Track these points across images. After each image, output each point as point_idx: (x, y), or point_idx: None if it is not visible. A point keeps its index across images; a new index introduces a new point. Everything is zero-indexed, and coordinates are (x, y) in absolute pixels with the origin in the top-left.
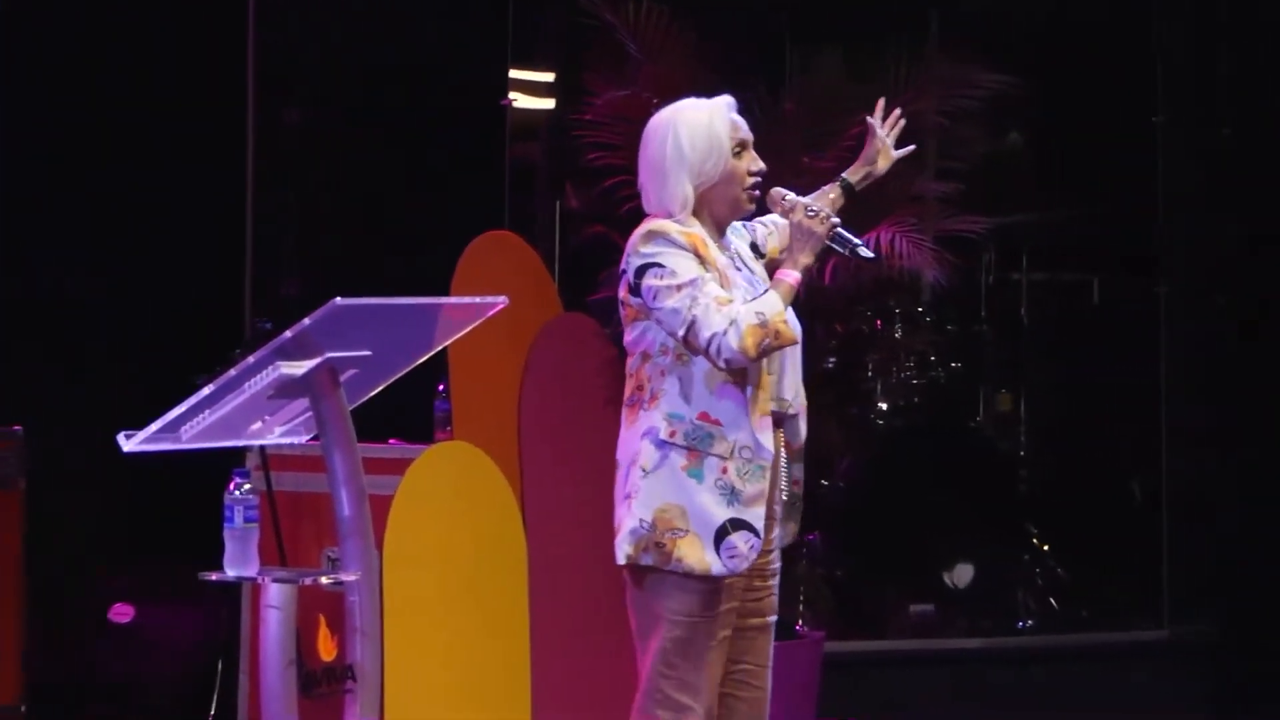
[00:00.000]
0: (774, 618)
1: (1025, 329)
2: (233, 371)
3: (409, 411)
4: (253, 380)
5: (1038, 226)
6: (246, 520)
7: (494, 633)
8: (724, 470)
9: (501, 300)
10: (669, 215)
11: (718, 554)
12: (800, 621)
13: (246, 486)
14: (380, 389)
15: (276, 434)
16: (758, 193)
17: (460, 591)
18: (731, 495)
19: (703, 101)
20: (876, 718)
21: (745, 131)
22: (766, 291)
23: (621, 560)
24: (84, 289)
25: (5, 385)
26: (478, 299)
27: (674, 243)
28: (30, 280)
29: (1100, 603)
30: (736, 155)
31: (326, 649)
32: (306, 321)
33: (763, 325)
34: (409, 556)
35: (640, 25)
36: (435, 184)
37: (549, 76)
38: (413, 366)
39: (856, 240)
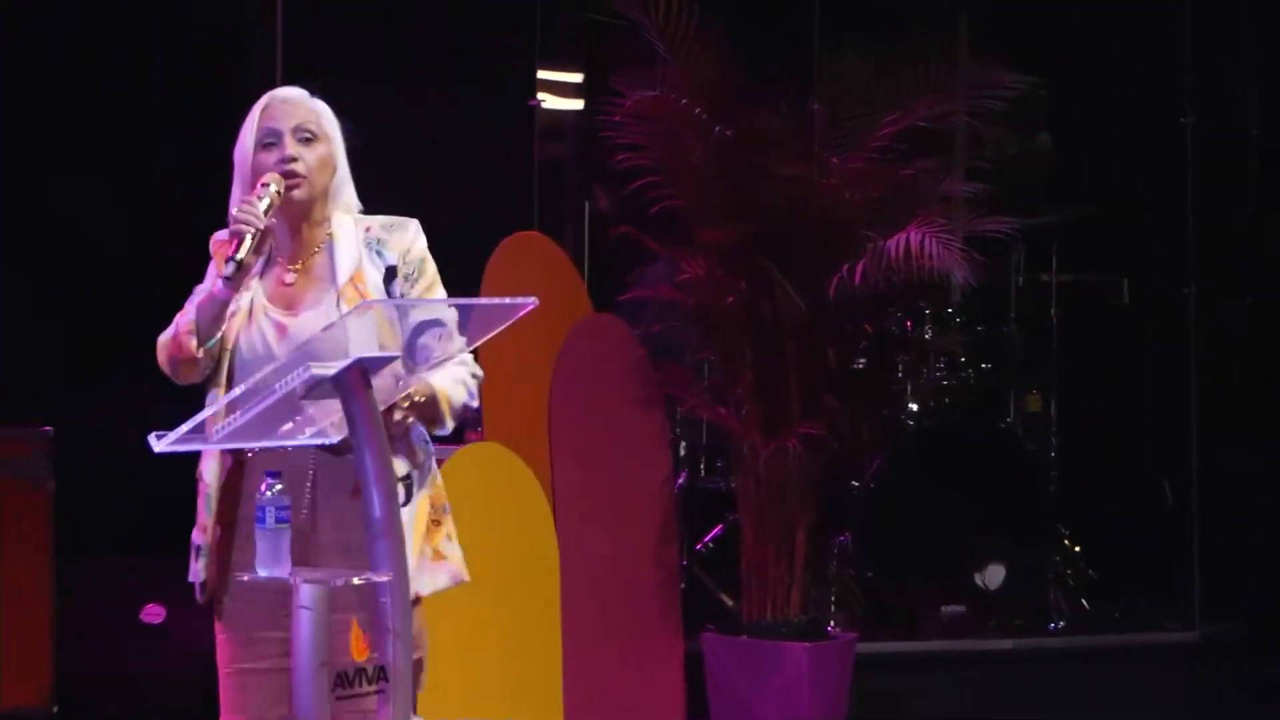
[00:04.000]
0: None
1: (1055, 329)
2: (264, 371)
3: None
4: (284, 381)
5: (1067, 227)
6: (278, 521)
7: (526, 632)
8: (198, 494)
9: (532, 301)
10: None
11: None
12: (832, 623)
13: (278, 487)
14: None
15: (307, 434)
16: (294, 181)
17: (492, 591)
18: (197, 520)
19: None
20: (907, 719)
21: (281, 122)
22: None
23: None
24: (113, 288)
25: (34, 386)
26: (508, 299)
27: (211, 250)
28: (58, 280)
29: (1131, 603)
30: (265, 147)
31: (358, 649)
32: (338, 322)
33: (174, 338)
34: None
35: (668, 25)
36: (464, 184)
37: (577, 77)
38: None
39: (230, 253)
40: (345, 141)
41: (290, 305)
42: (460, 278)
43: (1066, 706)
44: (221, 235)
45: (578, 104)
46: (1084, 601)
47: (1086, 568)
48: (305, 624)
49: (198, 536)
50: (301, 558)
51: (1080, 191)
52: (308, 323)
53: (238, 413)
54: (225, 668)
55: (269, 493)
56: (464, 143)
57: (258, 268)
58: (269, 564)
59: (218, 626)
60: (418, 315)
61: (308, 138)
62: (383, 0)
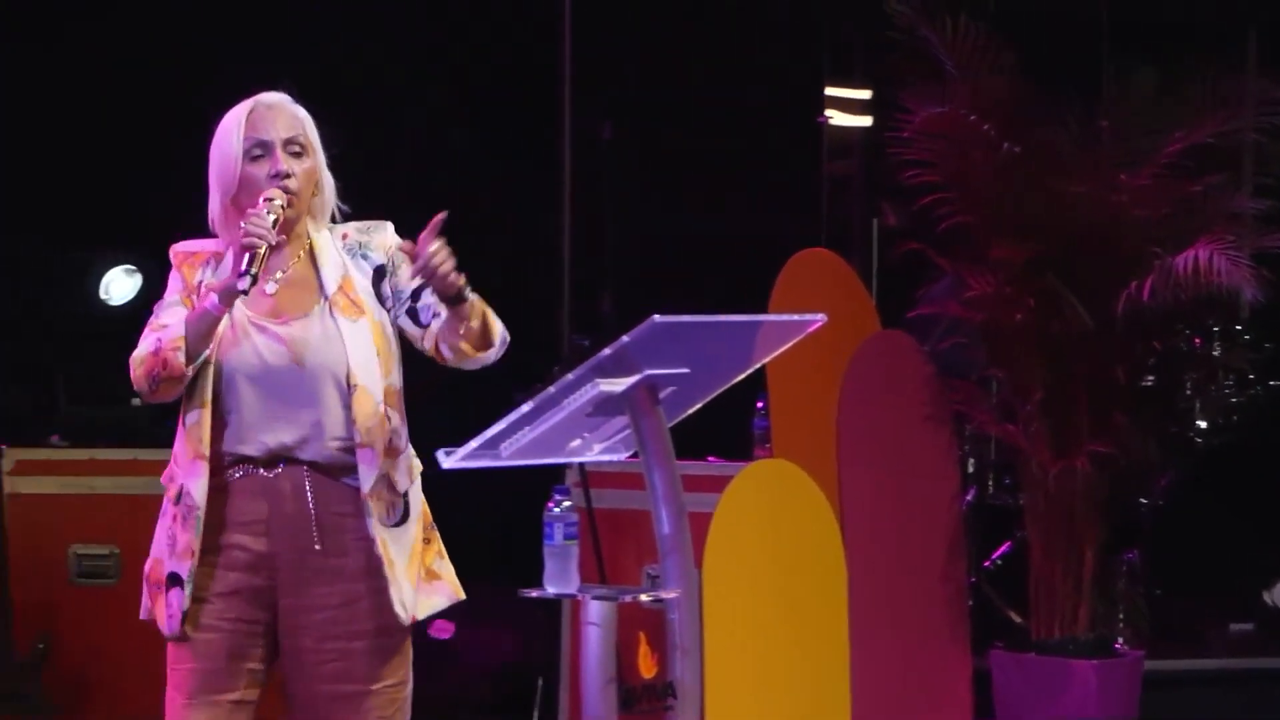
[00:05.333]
0: (357, 686)
1: None
2: (552, 389)
3: (727, 429)
4: (572, 397)
5: None
6: (566, 537)
7: (814, 650)
8: (174, 518)
9: (820, 317)
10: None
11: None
12: (1119, 640)
13: (566, 504)
14: (698, 406)
15: (596, 451)
16: (289, 197)
17: (780, 609)
18: (173, 546)
19: (241, 103)
20: None
21: (270, 132)
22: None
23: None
24: None
25: None
26: (796, 316)
27: (172, 264)
28: None
29: None
30: (254, 159)
31: (647, 666)
32: (626, 339)
33: (155, 354)
34: (728, 574)
35: (957, 42)
36: (752, 200)
37: (865, 93)
38: (731, 384)
39: (243, 269)
40: (325, 150)
41: (277, 316)
42: (749, 294)
43: None
44: (186, 246)
45: (866, 120)
46: None
47: None
48: (594, 640)
49: (180, 562)
50: (294, 584)
51: None
52: (299, 331)
53: (526, 429)
54: (189, 698)
55: (557, 509)
56: (753, 159)
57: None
58: (557, 581)
59: (183, 655)
60: (412, 283)
61: (298, 151)
62: (674, 17)
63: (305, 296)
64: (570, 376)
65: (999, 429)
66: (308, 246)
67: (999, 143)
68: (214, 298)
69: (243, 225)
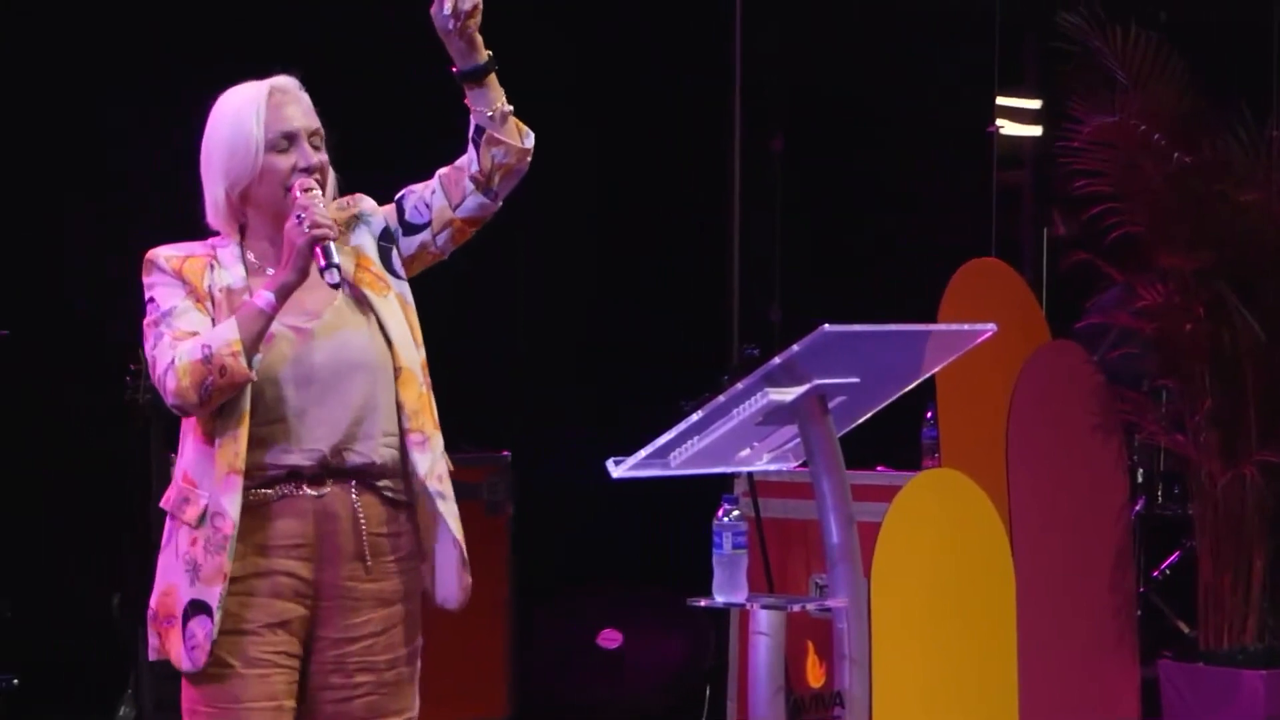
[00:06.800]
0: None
1: None
2: (721, 398)
3: (897, 439)
4: (741, 407)
5: None
6: (735, 547)
7: (982, 660)
8: (193, 542)
9: (990, 327)
10: (214, 227)
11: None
12: None
13: (735, 513)
14: (868, 416)
15: (765, 460)
16: (311, 192)
17: (948, 618)
18: (194, 572)
19: (248, 85)
20: None
21: (293, 122)
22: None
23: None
24: (567, 320)
25: (493, 413)
26: (966, 326)
27: (162, 270)
28: (509, 310)
29: None
30: (280, 150)
31: (815, 676)
32: (796, 348)
33: (206, 361)
34: (897, 583)
35: (1127, 51)
36: (922, 210)
37: (1035, 103)
38: (900, 393)
39: (325, 262)
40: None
41: (309, 315)
42: (919, 303)
43: None
44: (172, 250)
45: (1036, 130)
46: None
47: None
48: (762, 649)
49: (208, 589)
50: (335, 613)
51: None
52: (335, 328)
53: (695, 438)
54: None
55: (726, 518)
56: (923, 168)
57: (241, 282)
58: (726, 590)
59: (221, 694)
60: (390, 208)
61: (318, 145)
62: (844, 27)
63: (323, 291)
64: (740, 386)
65: (1168, 439)
66: None
67: (1169, 152)
68: (268, 296)
69: (300, 217)
